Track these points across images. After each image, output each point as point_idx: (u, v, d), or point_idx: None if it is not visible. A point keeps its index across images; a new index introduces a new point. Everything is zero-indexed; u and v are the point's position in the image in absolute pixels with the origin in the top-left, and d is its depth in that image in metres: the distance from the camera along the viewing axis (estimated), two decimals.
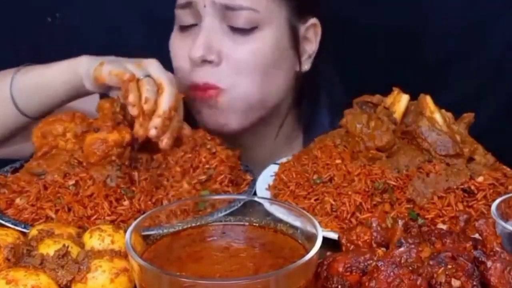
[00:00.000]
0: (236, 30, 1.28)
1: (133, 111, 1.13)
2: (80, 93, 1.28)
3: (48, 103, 1.29)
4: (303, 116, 1.45)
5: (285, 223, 0.84)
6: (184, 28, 1.32)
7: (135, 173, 1.11)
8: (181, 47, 1.33)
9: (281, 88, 1.36)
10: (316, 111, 1.43)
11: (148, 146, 1.17)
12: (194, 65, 1.29)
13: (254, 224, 0.86)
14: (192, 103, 1.33)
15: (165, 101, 1.14)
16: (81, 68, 1.24)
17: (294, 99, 1.42)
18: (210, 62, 1.28)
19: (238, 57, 1.28)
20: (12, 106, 1.28)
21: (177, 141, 1.19)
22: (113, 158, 1.10)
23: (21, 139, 1.34)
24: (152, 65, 1.19)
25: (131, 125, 1.16)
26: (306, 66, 1.38)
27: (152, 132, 1.13)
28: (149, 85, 1.15)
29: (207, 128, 1.30)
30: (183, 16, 1.31)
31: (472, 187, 1.06)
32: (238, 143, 1.36)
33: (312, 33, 1.37)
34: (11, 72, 1.30)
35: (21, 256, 0.86)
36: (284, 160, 1.27)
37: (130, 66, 1.17)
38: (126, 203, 1.07)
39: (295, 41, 1.34)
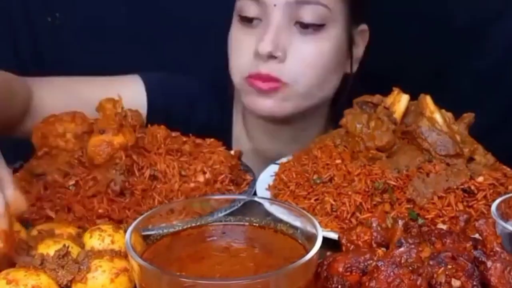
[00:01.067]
0: (304, 28, 1.29)
1: None
2: None
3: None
4: (336, 115, 1.46)
5: (285, 223, 0.84)
6: (246, 20, 1.33)
7: (135, 173, 1.11)
8: (243, 40, 1.34)
9: (332, 87, 1.39)
10: None
11: (144, 148, 1.17)
12: (259, 59, 1.30)
13: (254, 224, 0.86)
14: (245, 87, 1.34)
15: None
16: None
17: (333, 101, 1.45)
18: (275, 57, 1.29)
19: (304, 55, 1.30)
20: None
21: None
22: (117, 161, 1.09)
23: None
24: None
25: (132, 127, 1.15)
26: (354, 69, 1.41)
27: None
28: None
29: (253, 111, 1.35)
30: (246, 7, 1.32)
31: (472, 187, 1.06)
32: (276, 129, 1.43)
33: (361, 38, 1.40)
34: None
35: None
36: (284, 160, 1.27)
37: None
38: (126, 203, 1.07)
39: (350, 44, 1.37)
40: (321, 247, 0.74)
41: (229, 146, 1.41)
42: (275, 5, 1.28)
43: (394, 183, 1.08)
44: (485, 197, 1.06)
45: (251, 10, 1.31)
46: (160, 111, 1.41)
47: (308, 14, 1.28)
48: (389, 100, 1.18)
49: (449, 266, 0.77)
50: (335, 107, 1.46)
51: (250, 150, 1.48)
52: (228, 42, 1.38)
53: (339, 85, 1.41)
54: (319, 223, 0.82)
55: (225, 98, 1.50)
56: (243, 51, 1.33)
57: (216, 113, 1.50)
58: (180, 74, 1.53)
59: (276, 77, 1.30)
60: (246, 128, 1.51)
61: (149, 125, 1.22)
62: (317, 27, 1.30)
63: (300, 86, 1.32)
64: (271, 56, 1.29)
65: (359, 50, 1.41)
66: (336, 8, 1.31)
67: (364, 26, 1.39)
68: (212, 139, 1.27)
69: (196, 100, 1.49)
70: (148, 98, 1.42)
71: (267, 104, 1.33)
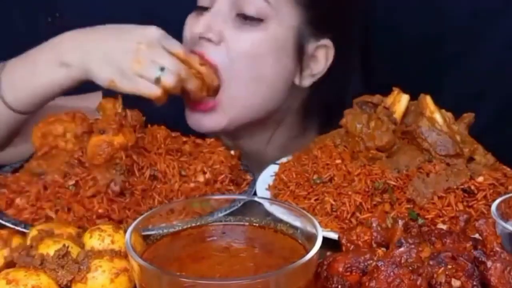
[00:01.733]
0: (243, 18, 1.30)
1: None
2: (71, 83, 1.26)
3: (37, 96, 1.27)
4: (312, 130, 1.46)
5: (285, 223, 0.84)
6: (199, 9, 1.35)
7: (135, 173, 1.11)
8: (189, 25, 1.36)
9: (277, 94, 1.36)
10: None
11: (144, 148, 1.16)
12: (193, 41, 1.31)
13: (254, 224, 0.86)
14: (186, 105, 1.34)
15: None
16: (68, 59, 1.22)
17: (297, 112, 1.43)
18: (209, 40, 1.30)
19: (237, 42, 1.30)
20: (1, 102, 1.27)
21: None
22: (117, 161, 1.09)
23: (21, 140, 1.33)
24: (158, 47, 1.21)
25: (132, 127, 1.15)
26: (305, 82, 1.37)
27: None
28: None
29: (196, 130, 1.33)
30: None
31: (472, 187, 1.06)
32: (233, 143, 1.39)
33: (322, 54, 1.36)
34: None
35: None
36: (284, 160, 1.27)
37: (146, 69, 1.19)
38: (126, 203, 1.07)
39: (300, 52, 1.34)
40: (321, 247, 0.74)
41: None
42: None
43: (394, 183, 1.08)
44: (485, 197, 1.06)
45: (204, 0, 1.33)
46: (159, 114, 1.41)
47: (248, 6, 1.29)
48: (389, 100, 1.18)
49: (449, 266, 0.77)
50: (308, 117, 1.44)
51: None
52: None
53: (296, 97, 1.39)
54: (319, 223, 0.82)
55: None
56: (186, 34, 1.35)
57: None
58: None
59: (209, 58, 1.30)
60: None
61: (149, 125, 1.22)
62: (255, 20, 1.29)
63: (235, 73, 1.30)
64: (203, 38, 1.30)
65: (318, 66, 1.37)
66: (281, 7, 1.30)
67: (326, 41, 1.35)
68: (212, 139, 1.27)
69: None
70: None
71: (203, 120, 1.33)
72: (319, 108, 1.43)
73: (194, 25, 1.31)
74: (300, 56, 1.35)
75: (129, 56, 1.20)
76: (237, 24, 1.30)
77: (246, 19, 1.29)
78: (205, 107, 1.32)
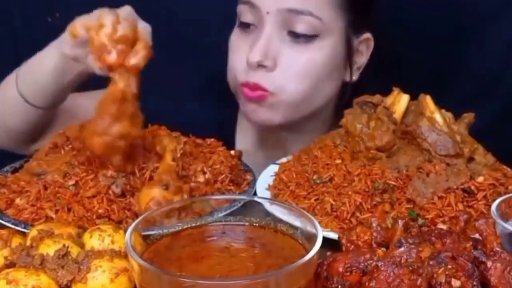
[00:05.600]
0: (296, 37, 1.30)
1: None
2: (75, 77, 1.24)
3: (49, 90, 1.26)
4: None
5: (285, 223, 0.84)
6: (244, 25, 1.35)
7: (136, 173, 1.11)
8: (240, 46, 1.35)
9: (328, 95, 1.39)
10: None
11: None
12: (249, 67, 1.31)
13: (254, 224, 0.86)
14: (238, 94, 1.37)
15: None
16: (66, 50, 1.19)
17: (336, 107, 1.44)
18: (264, 66, 1.30)
19: (294, 65, 1.31)
20: (21, 98, 1.27)
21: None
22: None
23: (51, 134, 1.32)
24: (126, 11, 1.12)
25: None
26: (354, 77, 1.41)
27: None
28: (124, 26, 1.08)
29: (250, 120, 1.38)
30: (244, 13, 1.34)
31: (472, 187, 1.06)
32: (276, 137, 1.43)
33: (364, 47, 1.39)
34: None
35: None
36: (284, 160, 1.27)
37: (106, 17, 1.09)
38: (126, 204, 1.07)
39: (349, 52, 1.37)
40: (321, 247, 0.74)
41: (231, 146, 1.41)
42: (268, 13, 1.29)
43: (394, 183, 1.08)
44: (485, 197, 1.06)
45: (247, 16, 1.33)
46: (159, 110, 1.41)
47: (300, 24, 1.29)
48: (389, 100, 1.18)
49: (449, 266, 0.77)
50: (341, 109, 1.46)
51: (256, 152, 1.48)
52: (229, 44, 1.39)
53: (339, 93, 1.41)
54: (319, 223, 0.82)
55: (227, 98, 1.50)
56: (239, 56, 1.35)
57: (216, 112, 1.51)
58: (183, 73, 1.55)
59: (263, 86, 1.31)
60: (251, 130, 1.51)
61: (149, 125, 1.22)
62: (310, 37, 1.30)
63: (287, 95, 1.32)
64: (260, 65, 1.30)
65: (362, 59, 1.40)
66: (330, 19, 1.30)
67: (367, 35, 1.38)
68: (212, 139, 1.27)
69: (194, 99, 1.50)
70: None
71: (258, 112, 1.35)
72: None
73: (250, 53, 1.29)
74: (350, 56, 1.37)
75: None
76: (289, 43, 1.30)
77: (298, 37, 1.30)
78: (254, 94, 1.33)
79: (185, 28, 1.76)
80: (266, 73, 1.31)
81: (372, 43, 1.40)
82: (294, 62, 1.31)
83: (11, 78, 1.29)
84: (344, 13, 1.33)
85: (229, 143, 1.37)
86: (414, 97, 1.18)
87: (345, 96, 1.41)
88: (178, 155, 1.14)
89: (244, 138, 1.52)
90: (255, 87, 1.32)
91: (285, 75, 1.31)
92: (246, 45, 1.33)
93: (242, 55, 1.33)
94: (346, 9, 1.32)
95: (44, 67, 1.24)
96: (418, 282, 0.74)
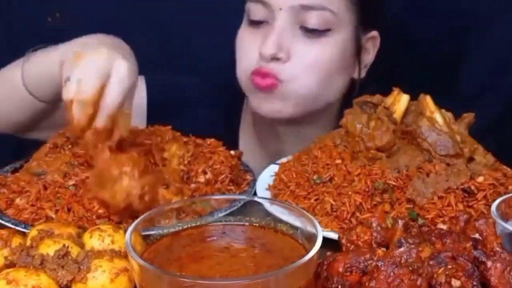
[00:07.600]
0: (308, 32, 1.30)
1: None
2: None
3: (55, 86, 1.23)
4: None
5: (285, 223, 0.84)
6: (254, 23, 1.34)
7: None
8: (250, 41, 1.35)
9: (337, 91, 1.39)
10: None
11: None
12: (262, 60, 1.31)
13: (254, 224, 0.86)
14: (248, 87, 1.36)
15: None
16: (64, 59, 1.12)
17: (342, 106, 1.44)
18: (278, 59, 1.30)
19: (307, 58, 1.31)
20: (25, 91, 1.27)
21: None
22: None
23: (48, 125, 1.32)
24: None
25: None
26: (362, 74, 1.41)
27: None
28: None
29: (258, 112, 1.36)
30: (255, 11, 1.33)
31: (472, 187, 1.06)
32: (284, 130, 1.43)
33: (371, 45, 1.40)
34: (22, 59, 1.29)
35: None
36: (284, 160, 1.27)
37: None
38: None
39: (358, 49, 1.38)
40: (321, 247, 0.74)
41: (235, 146, 1.41)
42: (280, 9, 1.29)
43: (394, 183, 1.08)
44: (485, 197, 1.06)
45: (258, 13, 1.32)
46: (160, 111, 1.41)
47: (313, 19, 1.29)
48: (389, 100, 1.18)
49: (449, 266, 0.77)
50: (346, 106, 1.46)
51: (258, 151, 1.48)
52: (236, 42, 1.39)
53: (347, 89, 1.41)
54: (319, 223, 0.82)
55: (231, 98, 1.50)
56: (250, 52, 1.34)
57: (219, 113, 1.50)
58: (182, 74, 1.54)
59: (275, 74, 1.31)
60: (254, 129, 1.51)
61: (149, 126, 1.22)
62: (322, 32, 1.30)
63: (298, 86, 1.32)
64: (274, 58, 1.30)
65: (368, 57, 1.41)
66: (343, 14, 1.31)
67: (374, 33, 1.39)
68: (212, 139, 1.27)
69: (197, 100, 1.49)
70: (148, 97, 1.43)
71: (269, 105, 1.34)
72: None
73: (263, 45, 1.29)
74: (358, 52, 1.38)
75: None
76: (302, 37, 1.31)
77: (311, 31, 1.30)
78: (265, 83, 1.32)
79: (185, 29, 1.76)
80: (279, 65, 1.31)
81: (378, 42, 1.40)
82: (306, 54, 1.31)
83: (15, 70, 1.28)
84: (354, 7, 1.33)
85: (232, 145, 1.37)
86: (414, 97, 1.18)
87: (352, 94, 1.41)
88: (186, 162, 1.14)
89: (247, 139, 1.52)
90: (266, 75, 1.31)
91: (298, 67, 1.31)
92: (257, 39, 1.32)
93: (253, 49, 1.33)
94: (356, 3, 1.33)
95: (54, 70, 1.23)
96: (418, 282, 0.74)
